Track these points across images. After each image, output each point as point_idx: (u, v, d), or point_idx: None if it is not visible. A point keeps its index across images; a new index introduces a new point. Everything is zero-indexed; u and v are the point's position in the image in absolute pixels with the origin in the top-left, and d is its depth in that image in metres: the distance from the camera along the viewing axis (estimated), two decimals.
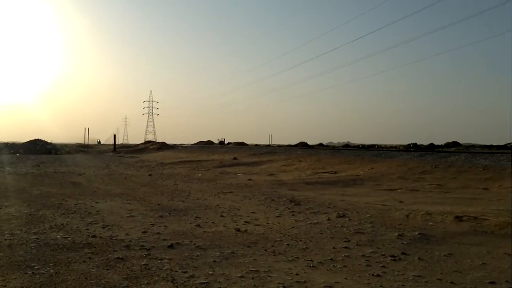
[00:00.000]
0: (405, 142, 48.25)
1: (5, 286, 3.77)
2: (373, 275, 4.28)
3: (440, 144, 44.44)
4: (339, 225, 6.80)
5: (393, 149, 31.40)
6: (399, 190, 11.68)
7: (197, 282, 3.96)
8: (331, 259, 4.85)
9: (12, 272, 4.18)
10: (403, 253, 5.13)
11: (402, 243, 5.64)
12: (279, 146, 55.46)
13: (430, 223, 6.93)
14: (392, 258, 4.90)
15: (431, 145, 42.78)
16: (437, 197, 10.20)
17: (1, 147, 49.94)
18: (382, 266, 4.59)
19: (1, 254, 4.84)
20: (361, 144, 59.98)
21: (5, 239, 5.55)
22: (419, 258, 4.93)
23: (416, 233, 6.16)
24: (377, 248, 5.39)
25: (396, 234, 6.10)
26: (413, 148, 37.04)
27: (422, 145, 42.92)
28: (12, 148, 47.73)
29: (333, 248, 5.38)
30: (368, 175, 15.19)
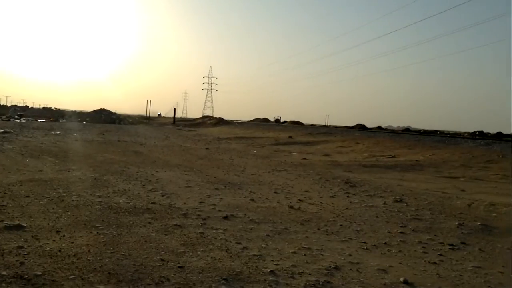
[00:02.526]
0: (470, 130, 45.87)
1: (72, 242, 4.04)
2: (429, 262, 4.17)
3: (508, 133, 41.80)
4: (396, 210, 6.64)
5: (457, 136, 29.96)
6: (461, 179, 11.17)
7: (250, 253, 4.04)
8: (385, 243, 4.76)
9: (78, 230, 4.47)
10: (462, 243, 4.94)
11: (462, 233, 5.42)
12: (336, 127, 54.65)
13: (494, 214, 6.58)
14: (451, 247, 4.74)
15: (499, 133, 40.35)
16: (502, 188, 9.64)
17: (70, 114, 53.11)
18: (440, 254, 4.45)
19: (68, 213, 5.18)
20: (422, 129, 57.71)
21: (72, 200, 5.92)
22: (479, 249, 4.73)
23: (478, 223, 5.89)
24: (435, 235, 5.23)
25: (456, 223, 5.86)
26: (478, 135, 35.14)
27: (488, 133, 40.58)
28: (79, 116, 50.60)
29: (388, 232, 5.27)
30: (429, 161, 14.62)
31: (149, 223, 4.96)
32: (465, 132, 44.89)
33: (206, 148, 18.29)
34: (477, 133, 39.38)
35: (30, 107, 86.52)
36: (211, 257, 3.86)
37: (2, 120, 36.24)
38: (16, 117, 43.39)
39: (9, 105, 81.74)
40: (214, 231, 4.80)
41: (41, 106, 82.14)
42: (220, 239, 4.49)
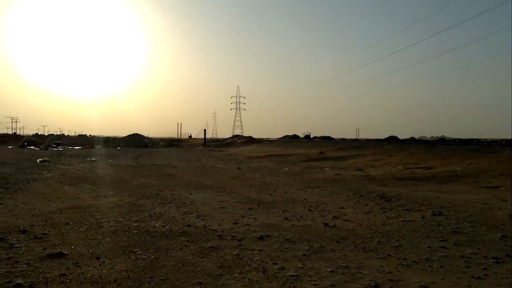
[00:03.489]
0: (508, 137, 44.32)
1: (112, 268, 4.11)
2: (473, 277, 4.02)
3: None
4: (435, 224, 6.46)
5: (494, 144, 29.02)
6: (501, 188, 10.78)
7: (287, 274, 4.01)
8: (426, 259, 4.63)
9: (117, 256, 4.55)
10: (507, 255, 4.75)
11: (506, 245, 5.22)
12: (367, 140, 53.90)
13: None
14: (495, 261, 4.56)
15: None
16: None
17: (104, 140, 54.69)
18: (484, 269, 4.29)
19: (107, 239, 5.29)
20: (457, 139, 56.22)
21: (110, 226, 6.05)
22: None
23: None
24: (478, 249, 5.05)
25: (499, 235, 5.65)
26: None
27: None
28: (113, 142, 51.95)
29: (428, 247, 5.13)
30: (466, 172, 14.19)
31: (186, 246, 5.01)
32: (502, 140, 43.42)
33: (238, 168, 18.38)
34: None
35: (66, 135, 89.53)
36: (248, 279, 3.85)
37: (40, 149, 37.60)
38: (53, 145, 44.95)
39: (46, 134, 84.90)
40: (250, 252, 4.79)
41: (76, 134, 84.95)
42: (256, 260, 4.48)
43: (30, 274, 3.88)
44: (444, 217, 6.93)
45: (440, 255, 4.78)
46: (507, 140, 38.75)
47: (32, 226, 5.88)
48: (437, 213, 7.27)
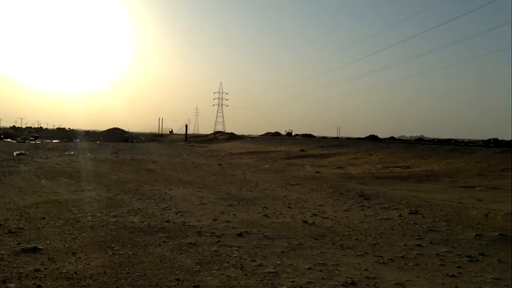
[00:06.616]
0: (485, 137, 45.18)
1: (88, 264, 4.06)
2: (447, 275, 4.10)
3: None
4: (411, 222, 6.57)
5: (472, 144, 29.56)
6: (477, 188, 11.02)
7: (265, 271, 4.02)
8: (402, 256, 4.70)
9: (94, 251, 4.50)
10: (481, 254, 4.86)
11: (480, 244, 5.34)
12: (348, 138, 54.33)
13: None
14: (469, 259, 4.66)
15: None
16: None
17: (83, 134, 53.88)
18: (458, 267, 4.38)
19: (84, 234, 5.22)
20: (436, 138, 57.11)
21: (88, 221, 5.97)
22: (498, 260, 4.64)
23: (496, 233, 5.79)
24: (452, 247, 5.15)
25: (474, 234, 5.77)
26: (493, 143, 34.62)
27: (504, 140, 39.95)
28: (92, 135, 51.21)
29: (405, 245, 5.21)
30: (444, 171, 14.45)
31: (164, 242, 4.98)
32: (479, 140, 44.28)
33: (219, 164, 18.34)
34: (491, 140, 38.78)
35: (44, 128, 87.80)
36: (226, 276, 3.85)
37: (17, 142, 36.80)
38: (31, 138, 44.02)
39: (24, 127, 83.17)
40: (229, 248, 4.79)
41: (55, 127, 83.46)
42: (235, 256, 4.48)
43: (3, 269, 3.80)
44: (421, 216, 7.05)
45: (415, 253, 4.86)
46: (483, 141, 39.53)
47: (6, 220, 5.76)
48: (414, 211, 7.38)
